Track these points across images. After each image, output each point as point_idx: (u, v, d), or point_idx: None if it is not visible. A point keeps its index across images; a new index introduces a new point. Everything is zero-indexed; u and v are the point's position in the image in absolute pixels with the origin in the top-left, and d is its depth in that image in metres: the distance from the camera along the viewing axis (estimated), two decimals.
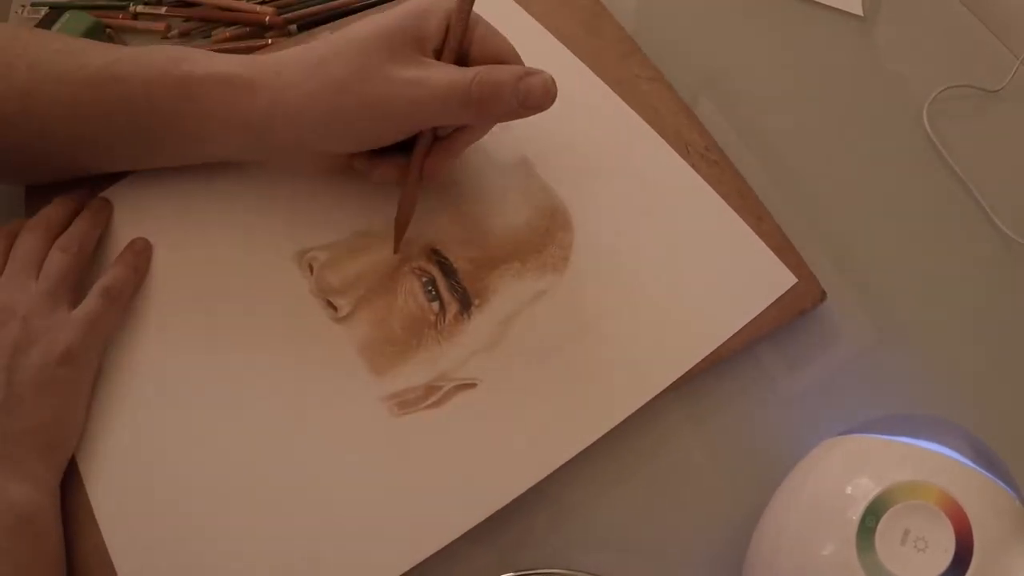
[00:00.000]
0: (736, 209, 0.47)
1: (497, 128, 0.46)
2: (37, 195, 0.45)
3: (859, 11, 0.58)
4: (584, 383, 0.42)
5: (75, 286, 0.41)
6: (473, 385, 0.42)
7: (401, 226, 0.43)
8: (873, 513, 0.33)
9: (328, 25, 0.53)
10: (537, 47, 0.51)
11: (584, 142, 0.49)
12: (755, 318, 0.44)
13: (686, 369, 0.43)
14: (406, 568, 0.38)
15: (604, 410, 0.42)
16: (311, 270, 0.44)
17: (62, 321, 0.39)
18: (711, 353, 0.43)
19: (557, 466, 0.40)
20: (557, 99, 0.49)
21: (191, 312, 0.43)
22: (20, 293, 0.39)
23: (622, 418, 0.41)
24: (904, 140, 0.53)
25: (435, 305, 0.43)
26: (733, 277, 0.45)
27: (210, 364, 0.42)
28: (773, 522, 0.37)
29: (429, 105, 0.38)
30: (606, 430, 0.41)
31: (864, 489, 0.34)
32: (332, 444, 0.40)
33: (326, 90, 0.38)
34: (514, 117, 0.40)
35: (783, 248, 0.46)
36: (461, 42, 0.40)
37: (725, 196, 0.47)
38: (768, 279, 0.45)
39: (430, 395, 0.41)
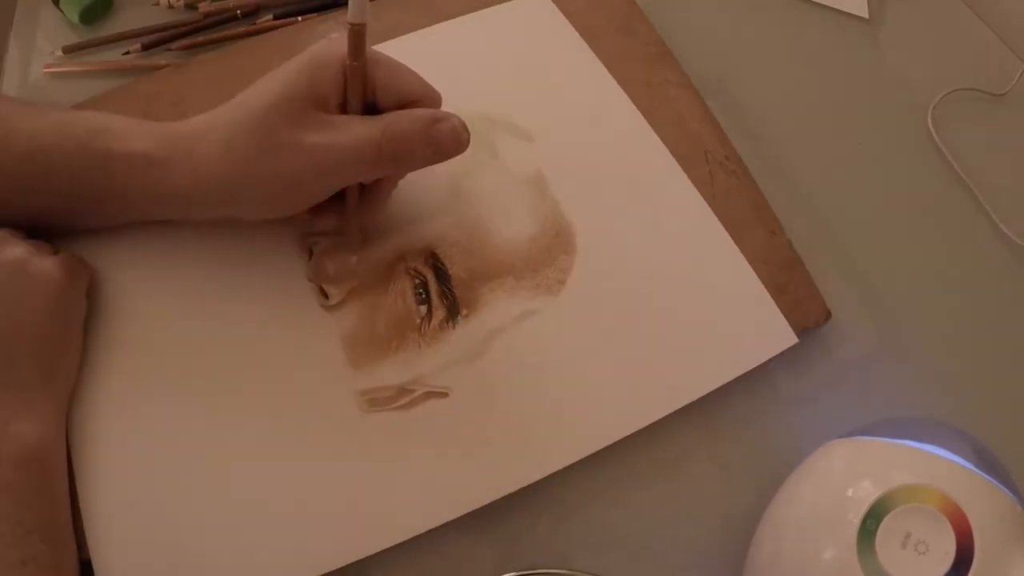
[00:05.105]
0: (750, 221, 0.47)
1: (519, 137, 0.47)
2: None
3: (864, 14, 0.58)
4: (556, 411, 0.42)
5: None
6: (445, 394, 0.41)
7: (348, 273, 0.44)
8: (874, 516, 0.33)
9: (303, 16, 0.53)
10: (571, 59, 0.51)
11: (602, 165, 0.48)
12: None
13: (663, 415, 0.42)
14: (348, 561, 0.38)
15: (571, 441, 0.41)
16: (310, 255, 0.44)
17: (51, 255, 0.40)
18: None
19: (516, 488, 0.40)
20: (584, 117, 0.49)
21: (184, 284, 0.43)
22: (10, 252, 0.39)
23: (587, 453, 0.40)
24: (908, 143, 0.53)
25: (423, 308, 0.43)
26: (732, 329, 0.44)
27: (196, 337, 0.42)
28: (774, 524, 0.37)
29: (340, 169, 0.38)
30: (565, 464, 0.40)
31: (865, 492, 0.34)
32: (302, 430, 0.40)
33: (235, 171, 0.38)
34: (431, 164, 0.39)
35: (793, 263, 0.46)
36: (363, 92, 0.38)
37: (740, 208, 0.47)
38: (769, 335, 0.44)
39: (401, 397, 0.41)
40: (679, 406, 0.42)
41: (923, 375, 0.46)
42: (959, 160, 0.52)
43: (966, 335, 0.47)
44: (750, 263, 0.45)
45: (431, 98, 0.40)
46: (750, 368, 0.43)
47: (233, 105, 0.39)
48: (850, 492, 0.34)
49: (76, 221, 0.42)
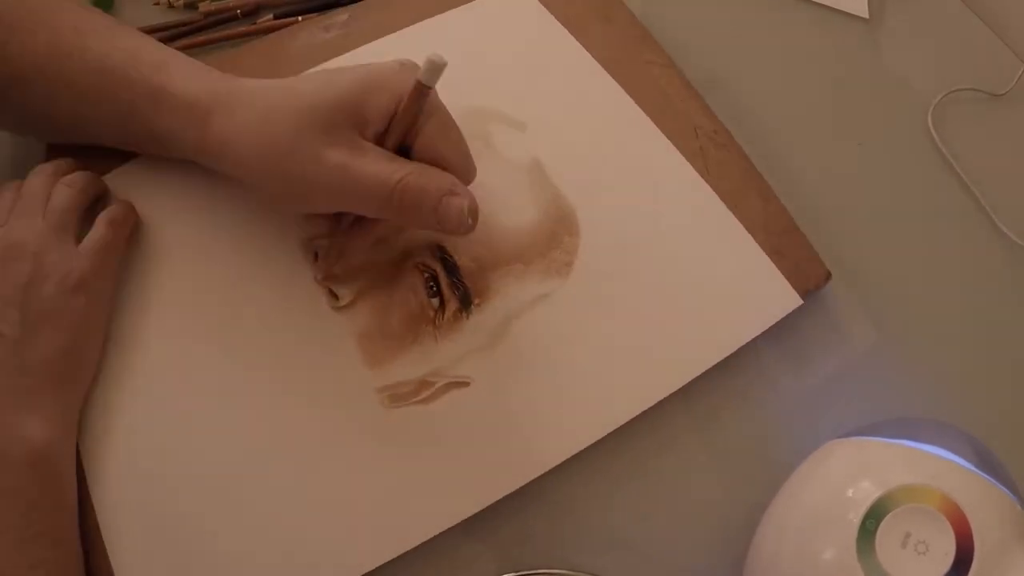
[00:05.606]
0: (744, 191, 0.47)
1: (512, 127, 0.47)
2: (58, 154, 0.45)
3: (864, 14, 0.58)
4: (577, 391, 0.42)
5: (80, 221, 0.42)
6: (466, 384, 0.42)
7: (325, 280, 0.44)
8: (874, 516, 0.33)
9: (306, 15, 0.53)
10: (555, 48, 0.51)
11: (598, 149, 0.49)
12: None
13: (682, 384, 0.43)
14: (385, 560, 0.38)
15: (594, 420, 0.41)
16: (316, 257, 0.44)
17: (72, 252, 0.40)
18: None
19: (542, 471, 0.40)
20: (572, 103, 0.49)
21: (192, 295, 0.43)
22: (29, 231, 0.39)
23: (611, 429, 0.41)
24: (908, 143, 0.53)
25: (435, 301, 0.43)
26: (739, 296, 0.45)
27: (208, 349, 0.42)
28: (774, 524, 0.37)
29: (350, 196, 0.38)
30: (594, 440, 0.41)
31: (865, 492, 0.34)
32: (324, 432, 0.40)
33: (261, 152, 0.38)
34: (431, 229, 0.39)
35: (789, 230, 0.47)
36: (406, 135, 0.39)
37: (733, 179, 0.48)
38: (774, 299, 0.45)
39: (422, 390, 0.41)
40: (700, 371, 0.43)
41: (923, 375, 0.46)
42: (959, 160, 0.52)
43: (966, 335, 0.47)
44: (748, 231, 0.46)
45: (464, 171, 0.40)
46: (760, 332, 0.44)
47: (287, 85, 0.39)
48: (850, 492, 0.35)
49: (132, 143, 0.43)
